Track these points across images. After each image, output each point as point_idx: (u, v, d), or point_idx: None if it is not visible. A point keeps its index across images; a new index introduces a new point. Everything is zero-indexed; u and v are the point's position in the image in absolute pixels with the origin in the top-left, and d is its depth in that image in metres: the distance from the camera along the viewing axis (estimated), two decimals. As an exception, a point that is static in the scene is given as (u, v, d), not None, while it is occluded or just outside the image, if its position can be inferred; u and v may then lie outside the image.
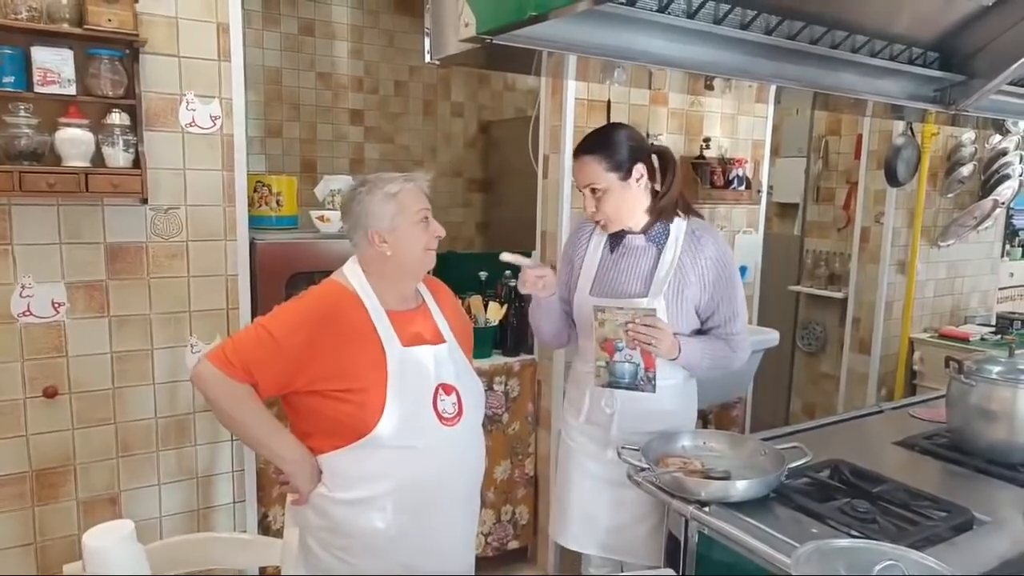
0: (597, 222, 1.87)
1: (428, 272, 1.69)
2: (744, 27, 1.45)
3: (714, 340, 1.85)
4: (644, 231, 1.86)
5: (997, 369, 1.75)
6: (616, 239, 1.90)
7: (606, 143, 1.80)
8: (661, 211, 1.85)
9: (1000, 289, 4.41)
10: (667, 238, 1.85)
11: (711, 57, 1.49)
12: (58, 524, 2.06)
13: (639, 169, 1.81)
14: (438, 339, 1.62)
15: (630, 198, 1.82)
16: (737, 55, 1.51)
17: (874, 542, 1.21)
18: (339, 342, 1.48)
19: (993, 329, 3.85)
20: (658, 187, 1.88)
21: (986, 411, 1.72)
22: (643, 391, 1.76)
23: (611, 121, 2.59)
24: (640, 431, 1.76)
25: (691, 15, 1.37)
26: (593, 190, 1.80)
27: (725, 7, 1.40)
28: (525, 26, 1.16)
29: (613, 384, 1.78)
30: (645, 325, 1.70)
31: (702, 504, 1.45)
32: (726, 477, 1.52)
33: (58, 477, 2.04)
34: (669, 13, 1.34)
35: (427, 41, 1.36)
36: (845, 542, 1.18)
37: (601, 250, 1.92)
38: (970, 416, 1.76)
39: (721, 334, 1.85)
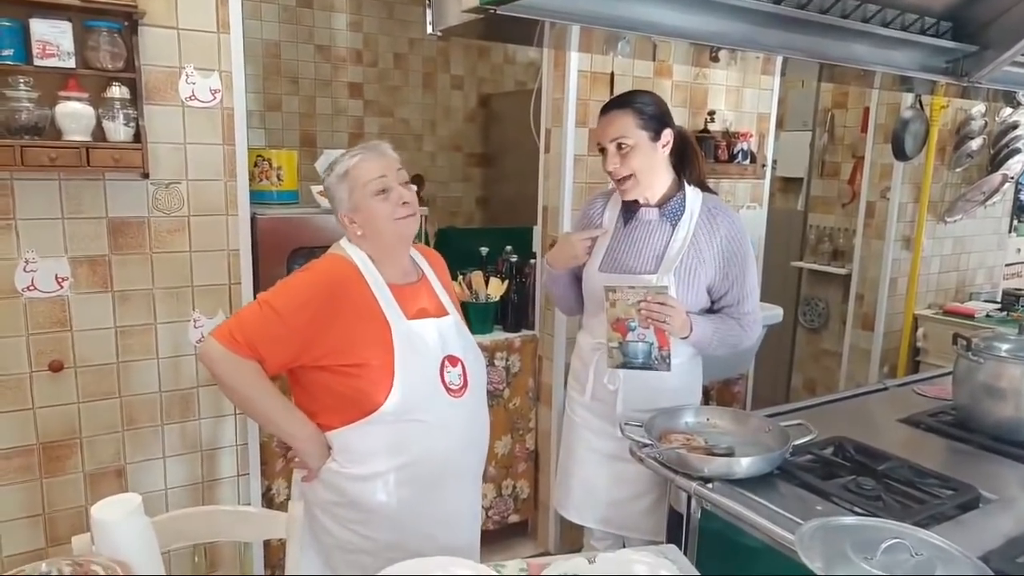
0: (619, 180, 1.81)
1: (427, 244, 1.67)
2: (753, -5, 1.42)
3: (725, 319, 1.84)
4: (659, 205, 1.85)
5: (1006, 347, 1.74)
6: (630, 212, 1.88)
7: (639, 101, 1.80)
8: (699, 186, 1.88)
9: (1007, 265, 4.38)
10: (682, 214, 1.83)
11: (718, 27, 1.46)
12: (65, 496, 2.07)
13: (667, 135, 1.80)
14: (441, 312, 1.62)
15: (656, 161, 1.81)
16: (744, 25, 1.48)
17: (879, 520, 1.21)
18: (344, 317, 1.48)
19: (999, 306, 3.84)
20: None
21: (994, 389, 1.71)
22: (657, 370, 1.74)
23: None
24: (645, 408, 1.76)
25: (699, -16, 1.34)
26: (620, 145, 1.77)
27: (733, -25, 1.37)
28: (530, -5, 1.13)
29: (627, 365, 1.76)
30: (658, 303, 1.69)
31: (705, 481, 1.45)
32: (730, 454, 1.52)
33: (64, 450, 2.05)
34: (676, -18, 1.31)
35: (428, 12, 1.33)
36: (850, 520, 1.18)
37: (614, 224, 1.91)
38: (977, 393, 1.75)
39: (733, 313, 1.84)
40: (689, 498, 1.48)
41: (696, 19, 1.42)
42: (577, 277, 1.97)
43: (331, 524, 1.54)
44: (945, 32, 1.73)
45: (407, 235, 1.58)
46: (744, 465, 1.45)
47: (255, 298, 1.50)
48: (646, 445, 1.58)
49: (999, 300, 3.97)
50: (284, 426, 1.52)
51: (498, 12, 1.20)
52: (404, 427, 1.49)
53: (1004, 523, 1.34)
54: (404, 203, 1.52)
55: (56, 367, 1.99)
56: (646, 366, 1.74)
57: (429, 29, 1.35)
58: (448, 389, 1.54)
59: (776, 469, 1.49)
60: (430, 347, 1.54)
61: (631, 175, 1.79)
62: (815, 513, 1.30)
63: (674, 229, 1.82)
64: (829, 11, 1.52)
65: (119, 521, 1.16)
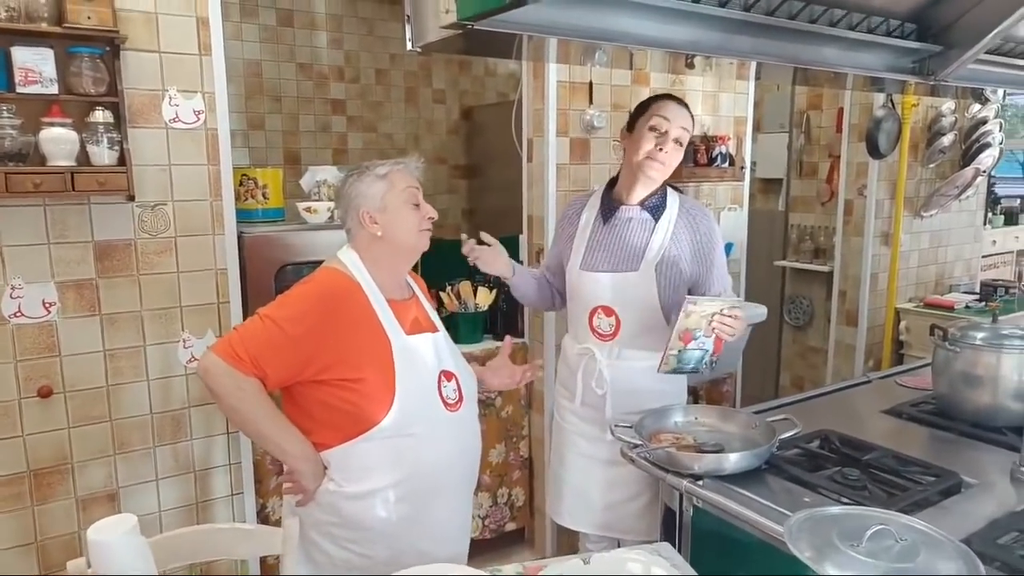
0: (658, 163, 1.83)
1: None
2: (722, 4, 1.45)
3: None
4: (641, 203, 1.88)
5: (981, 335, 1.77)
6: (609, 211, 1.91)
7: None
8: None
9: (983, 257, 4.46)
10: (663, 211, 1.87)
11: (691, 36, 1.49)
12: (57, 523, 2.06)
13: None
14: (433, 327, 1.64)
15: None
16: (717, 33, 1.51)
17: (865, 508, 1.23)
18: (345, 330, 1.48)
19: (977, 296, 3.91)
20: None
21: (971, 377, 1.75)
22: (700, 373, 1.79)
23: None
24: (634, 410, 1.78)
25: (669, -6, 1.38)
26: (678, 139, 1.83)
27: (703, -16, 1.41)
28: (506, 11, 1.16)
29: (677, 370, 1.76)
30: (731, 316, 1.70)
31: (696, 478, 1.48)
32: (719, 451, 1.54)
33: (55, 476, 2.04)
34: (648, -7, 1.34)
35: (408, 29, 1.36)
36: (836, 509, 1.20)
37: (592, 224, 1.94)
38: (956, 382, 1.78)
39: None
40: (681, 496, 1.51)
41: (669, 28, 1.46)
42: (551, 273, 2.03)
43: (327, 544, 1.53)
44: (910, 33, 1.78)
45: (422, 248, 1.63)
46: (732, 461, 1.48)
47: (254, 313, 1.49)
48: (636, 446, 1.60)
49: (978, 291, 4.04)
50: (283, 445, 1.49)
51: (475, 28, 1.23)
52: (402, 442, 1.49)
53: (985, 506, 1.37)
54: (429, 218, 1.60)
55: (45, 393, 1.99)
56: (694, 371, 1.77)
57: (409, 46, 1.37)
58: (445, 403, 1.55)
59: (764, 464, 1.52)
60: (427, 362, 1.56)
61: (668, 167, 1.84)
62: (803, 505, 1.33)
63: (654, 227, 1.86)
64: (797, 16, 1.56)
65: (115, 542, 1.16)
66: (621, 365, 1.87)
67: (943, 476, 1.46)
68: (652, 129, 1.82)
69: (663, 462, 1.54)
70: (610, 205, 1.92)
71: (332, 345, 1.46)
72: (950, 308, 3.74)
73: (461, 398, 1.60)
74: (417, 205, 1.59)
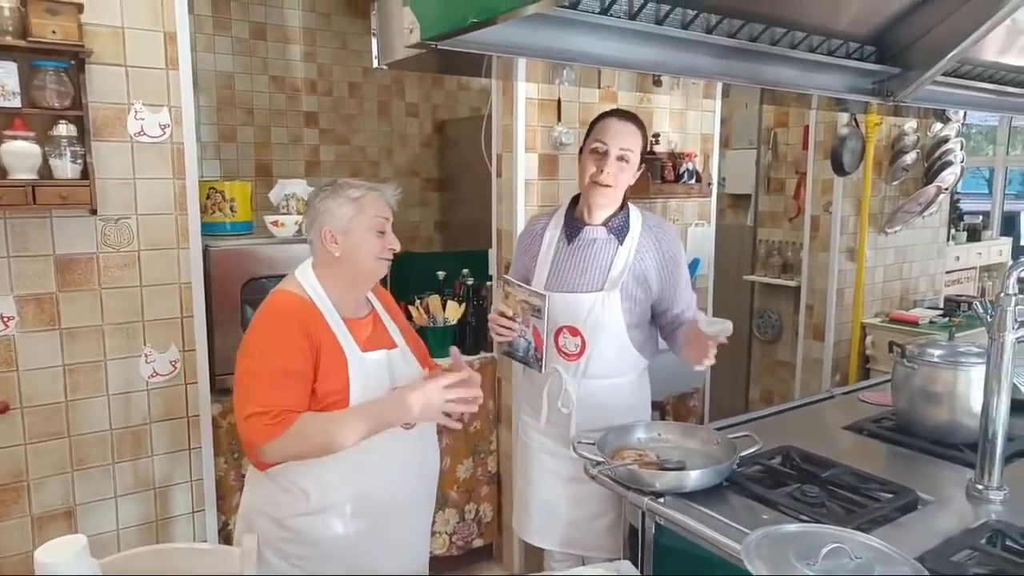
0: (604, 187, 1.82)
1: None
2: (685, 27, 1.48)
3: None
4: (604, 223, 1.89)
5: (939, 352, 1.79)
6: (574, 231, 1.92)
7: (644, 130, 1.87)
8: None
9: (947, 273, 4.55)
10: (627, 232, 1.88)
11: (655, 56, 1.51)
12: (10, 542, 2.01)
13: (641, 168, 1.88)
14: (391, 344, 1.63)
15: (628, 185, 1.87)
16: (680, 54, 1.54)
17: (822, 526, 1.24)
18: (313, 348, 1.49)
19: (941, 312, 3.98)
20: None
21: (929, 393, 1.76)
22: (531, 367, 1.85)
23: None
24: (598, 428, 1.78)
25: (632, 16, 1.39)
26: (622, 157, 1.81)
27: (665, 7, 1.42)
28: (469, 31, 1.17)
29: (509, 354, 1.88)
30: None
31: (657, 495, 1.48)
32: (680, 467, 1.55)
33: (10, 494, 2.00)
34: (611, 15, 1.36)
35: (375, 46, 1.36)
36: (794, 527, 1.21)
37: (556, 244, 1.94)
38: (914, 399, 1.80)
39: (687, 319, 1.91)
40: (643, 513, 1.51)
41: (634, 49, 1.48)
42: None
43: (278, 561, 1.52)
44: (869, 55, 1.82)
45: (379, 275, 1.63)
46: (694, 478, 1.48)
47: (239, 381, 1.47)
48: (599, 463, 1.60)
49: (941, 307, 4.12)
50: (372, 420, 1.46)
51: (439, 47, 1.24)
52: (357, 458, 1.49)
53: (940, 523, 1.39)
54: (390, 248, 1.60)
55: (1, 408, 1.95)
56: (524, 361, 1.85)
57: (376, 63, 1.38)
58: None
59: (726, 480, 1.53)
60: (381, 379, 1.55)
61: (614, 187, 1.83)
62: (762, 522, 1.34)
63: (618, 246, 1.87)
64: (758, 38, 1.60)
65: (63, 564, 1.15)
66: (587, 384, 1.88)
67: (900, 493, 1.47)
68: (592, 152, 1.84)
69: (625, 479, 1.53)
70: (573, 225, 1.92)
71: (308, 356, 1.47)
72: (914, 323, 3.80)
73: None
74: (382, 233, 1.58)
